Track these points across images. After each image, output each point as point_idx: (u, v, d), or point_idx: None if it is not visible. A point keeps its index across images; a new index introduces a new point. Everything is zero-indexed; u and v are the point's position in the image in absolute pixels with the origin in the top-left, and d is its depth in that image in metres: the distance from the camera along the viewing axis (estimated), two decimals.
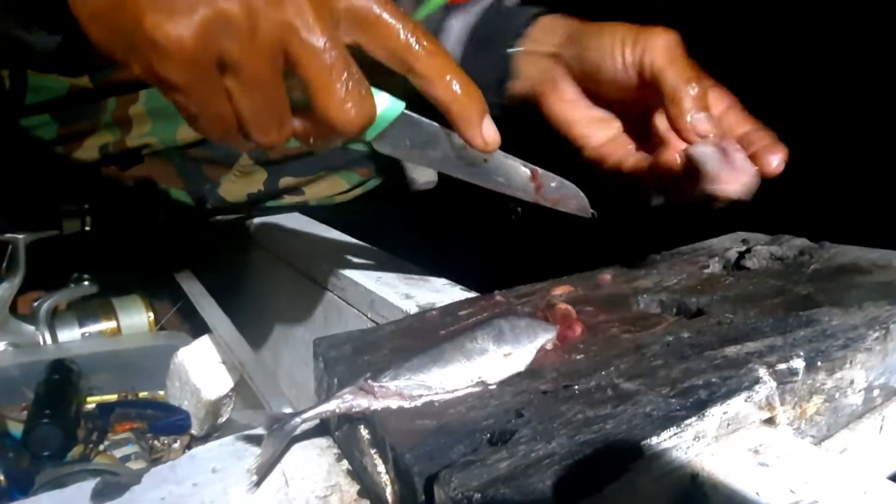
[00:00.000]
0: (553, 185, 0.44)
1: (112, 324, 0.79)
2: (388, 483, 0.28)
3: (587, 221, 0.47)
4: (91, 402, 0.71)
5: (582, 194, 0.45)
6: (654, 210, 0.51)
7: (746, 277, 0.46)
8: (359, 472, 0.31)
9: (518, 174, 0.43)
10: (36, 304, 0.76)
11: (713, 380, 0.30)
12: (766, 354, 0.32)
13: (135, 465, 0.64)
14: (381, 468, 0.29)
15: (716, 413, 0.28)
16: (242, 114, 0.33)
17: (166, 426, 0.69)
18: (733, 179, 0.42)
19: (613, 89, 0.49)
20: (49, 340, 0.75)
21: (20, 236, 0.74)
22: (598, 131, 0.51)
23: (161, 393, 0.75)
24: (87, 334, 0.78)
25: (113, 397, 0.73)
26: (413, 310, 0.52)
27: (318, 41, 0.32)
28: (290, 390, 0.72)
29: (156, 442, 0.68)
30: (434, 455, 0.26)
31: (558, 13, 0.54)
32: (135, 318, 0.80)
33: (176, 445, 0.68)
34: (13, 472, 0.58)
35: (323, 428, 0.34)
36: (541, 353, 0.34)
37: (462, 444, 0.27)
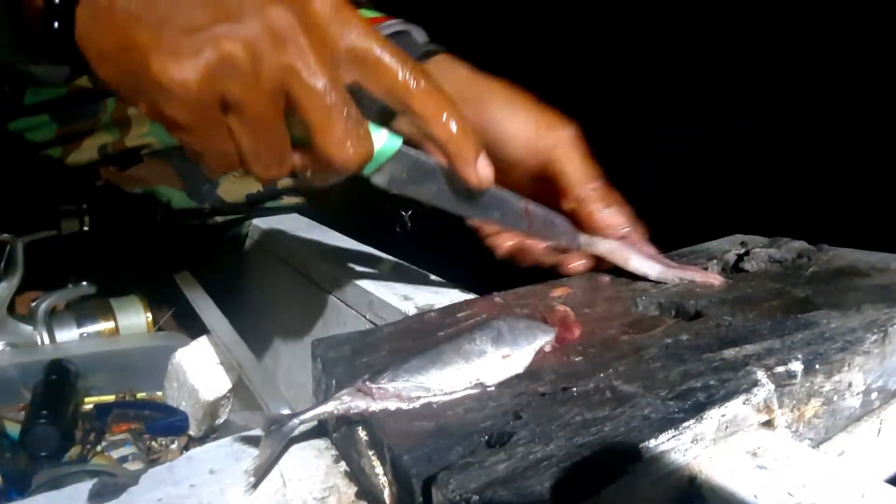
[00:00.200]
0: (544, 219, 0.46)
1: (110, 324, 0.79)
2: (386, 485, 0.28)
3: None
4: (89, 403, 0.70)
5: (572, 228, 0.47)
6: (652, 213, 0.51)
7: (745, 280, 0.46)
8: (357, 474, 0.31)
9: (511, 208, 0.44)
10: (34, 304, 0.76)
11: (711, 382, 0.30)
12: (765, 357, 0.32)
13: (132, 466, 0.63)
14: (379, 470, 0.29)
15: (714, 415, 0.28)
16: (244, 151, 0.34)
17: (164, 427, 0.68)
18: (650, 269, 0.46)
19: (507, 167, 0.48)
20: (47, 341, 0.75)
21: (18, 236, 0.74)
22: None
23: (159, 394, 0.75)
24: (85, 335, 0.78)
25: (111, 398, 0.73)
26: (412, 311, 0.52)
27: (319, 83, 0.33)
28: (289, 391, 0.72)
29: (153, 443, 0.68)
30: (432, 457, 0.26)
31: (457, 53, 0.53)
32: (133, 319, 0.80)
33: (174, 446, 0.68)
34: (10, 472, 0.58)
35: (321, 429, 0.34)
36: (539, 355, 0.34)
37: (460, 446, 0.27)
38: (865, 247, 0.51)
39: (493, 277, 0.50)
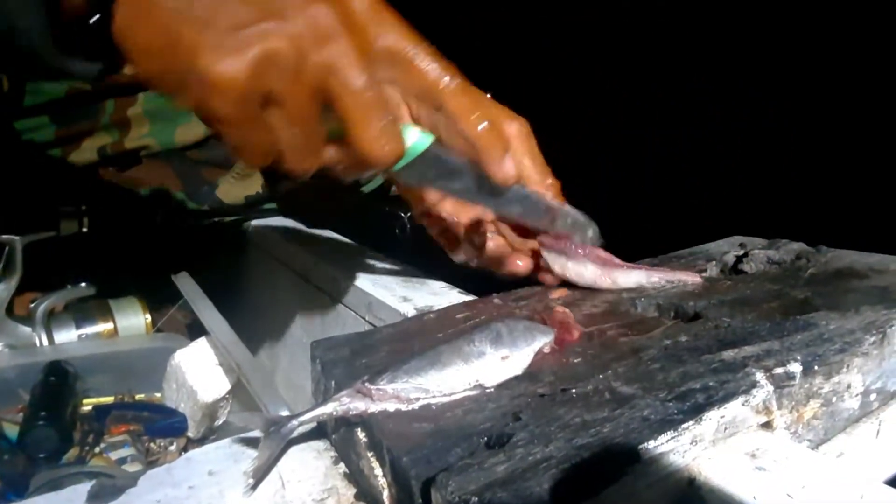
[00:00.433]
0: (568, 216, 0.46)
1: (109, 325, 0.79)
2: (385, 486, 0.28)
3: None
4: (87, 404, 0.70)
5: (594, 226, 0.46)
6: (651, 214, 0.51)
7: (744, 281, 0.46)
8: (356, 475, 0.31)
9: (535, 205, 0.45)
10: (33, 305, 0.75)
11: (710, 384, 0.30)
12: (764, 358, 0.32)
13: (131, 468, 0.63)
14: (378, 471, 0.29)
15: (713, 417, 0.28)
16: (282, 144, 0.35)
17: (163, 428, 0.68)
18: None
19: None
20: (45, 342, 0.75)
21: (17, 237, 0.74)
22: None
23: (158, 395, 0.75)
24: (83, 336, 0.77)
25: (109, 399, 0.73)
26: (411, 312, 0.52)
27: (358, 81, 0.34)
28: (288, 393, 0.72)
29: (152, 444, 0.67)
30: (431, 458, 0.26)
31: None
32: (132, 320, 0.80)
33: (172, 448, 0.68)
34: (9, 474, 0.57)
35: (320, 431, 0.34)
36: (538, 357, 0.34)
37: (459, 448, 0.27)
38: (864, 248, 0.51)
39: (492, 279, 0.50)
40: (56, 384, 0.66)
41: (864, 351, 0.34)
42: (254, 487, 0.30)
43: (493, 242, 0.49)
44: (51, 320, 0.76)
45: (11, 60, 0.38)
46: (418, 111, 0.44)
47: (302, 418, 0.31)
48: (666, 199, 1.25)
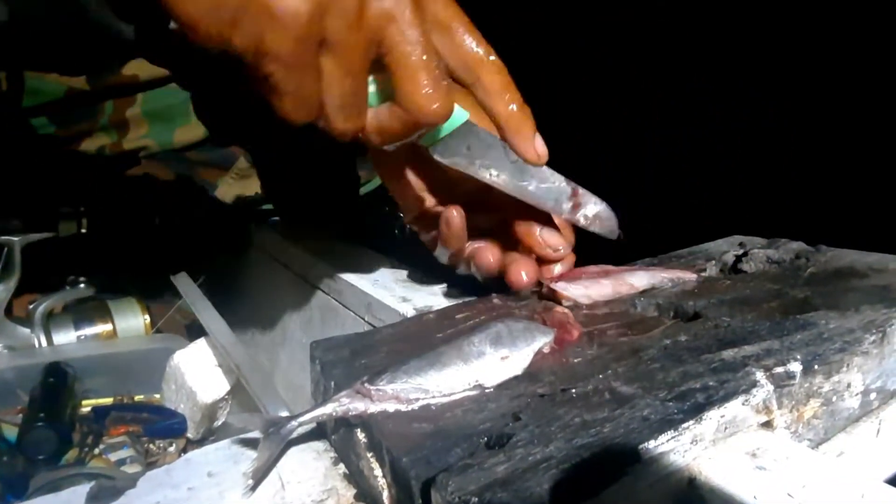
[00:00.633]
0: (591, 204, 0.45)
1: (108, 326, 0.79)
2: (385, 487, 0.28)
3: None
4: (86, 406, 0.70)
5: (615, 217, 0.46)
6: (651, 213, 0.51)
7: (743, 281, 0.46)
8: (355, 476, 0.31)
9: (561, 191, 0.44)
10: (31, 306, 0.75)
11: (710, 383, 0.30)
12: (764, 358, 0.32)
13: (130, 469, 0.63)
14: (378, 472, 0.29)
15: (713, 416, 0.28)
16: (330, 97, 0.35)
17: (162, 429, 0.68)
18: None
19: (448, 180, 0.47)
20: (44, 343, 0.75)
21: (16, 238, 0.74)
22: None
23: (157, 396, 0.75)
24: (82, 337, 0.77)
25: (109, 400, 0.72)
26: (410, 313, 0.52)
27: (414, 34, 0.34)
28: (287, 393, 0.72)
29: (151, 445, 0.67)
30: (431, 459, 0.26)
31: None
32: (131, 321, 0.80)
33: (172, 449, 0.67)
34: (8, 475, 0.57)
35: (319, 431, 0.34)
36: (538, 357, 0.34)
37: (459, 448, 0.26)
38: (863, 247, 0.51)
39: (492, 279, 0.50)
40: (55, 385, 0.66)
41: (864, 350, 0.34)
42: (253, 488, 0.30)
43: (491, 255, 0.46)
44: (50, 321, 0.76)
45: (56, 20, 0.38)
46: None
47: (301, 419, 0.31)
48: (665, 199, 1.25)
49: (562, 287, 0.43)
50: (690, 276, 0.47)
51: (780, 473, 0.27)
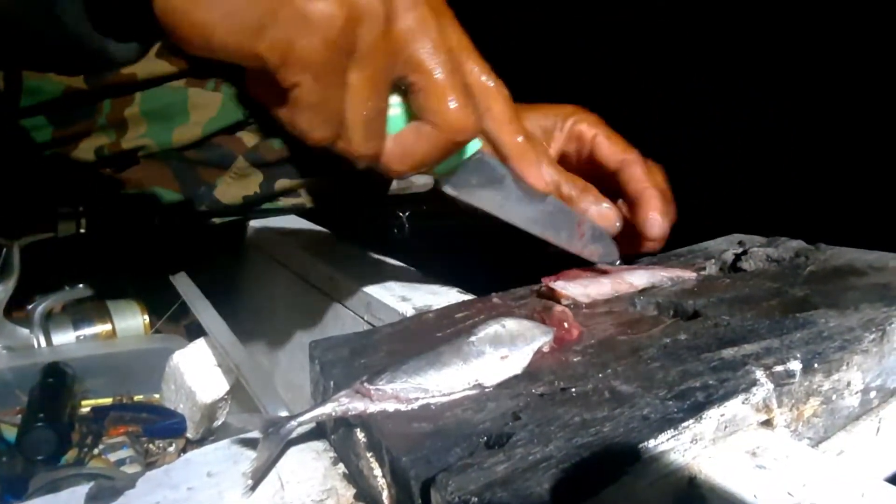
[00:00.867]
0: (592, 233, 0.46)
1: (107, 327, 0.79)
2: (385, 487, 0.28)
3: None
4: (86, 406, 0.70)
5: (614, 246, 0.47)
6: None
7: (743, 279, 0.46)
8: (355, 476, 0.31)
9: (565, 220, 0.45)
10: (30, 307, 0.75)
11: (710, 382, 0.30)
12: (763, 356, 0.32)
13: (130, 469, 0.63)
14: (378, 472, 0.29)
15: (713, 415, 0.28)
16: (353, 114, 0.34)
17: (161, 430, 0.68)
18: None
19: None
20: (43, 343, 0.75)
21: (14, 239, 0.74)
22: None
23: (156, 396, 0.75)
24: (81, 337, 0.77)
25: (108, 401, 0.72)
26: (409, 312, 0.52)
27: (442, 51, 0.34)
28: (287, 393, 0.72)
29: (151, 445, 0.67)
30: (431, 458, 0.26)
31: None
32: (130, 321, 0.80)
33: (171, 449, 0.67)
34: (7, 476, 0.57)
35: (319, 431, 0.34)
36: (538, 356, 0.34)
37: (459, 448, 0.26)
38: (863, 246, 0.51)
39: (491, 278, 0.50)
40: (54, 386, 0.65)
41: (864, 348, 0.34)
42: (253, 488, 0.30)
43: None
44: (49, 322, 0.76)
45: (46, 46, 0.36)
46: None
47: (301, 419, 0.31)
48: None
49: (561, 286, 0.43)
50: (690, 275, 0.47)
51: (780, 472, 0.27)
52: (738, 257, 0.51)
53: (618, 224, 0.49)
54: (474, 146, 0.39)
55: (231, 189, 0.84)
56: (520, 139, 0.41)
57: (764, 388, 0.30)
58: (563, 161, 0.53)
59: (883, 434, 0.36)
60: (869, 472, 0.28)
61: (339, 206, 0.87)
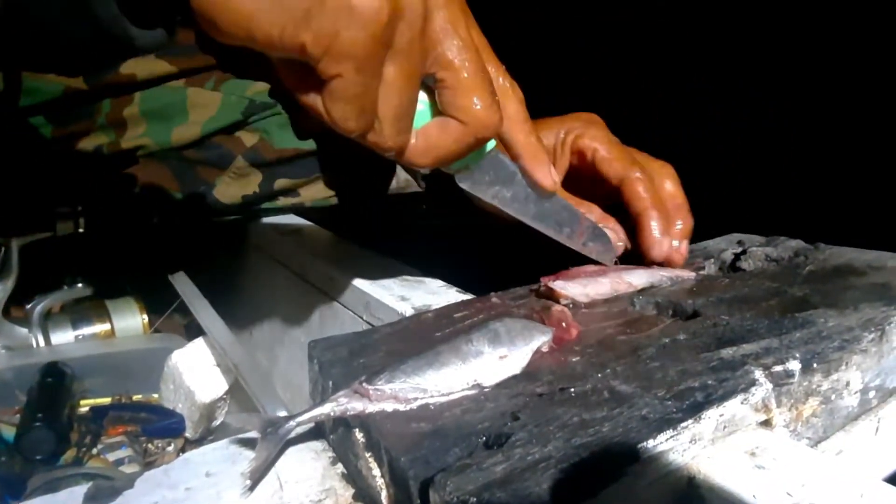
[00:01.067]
0: (593, 231, 0.48)
1: (106, 326, 0.79)
2: (384, 487, 0.28)
3: None
4: (84, 406, 0.70)
5: (612, 244, 0.49)
6: None
7: (742, 279, 0.46)
8: (354, 476, 0.31)
9: (569, 218, 0.47)
10: (29, 306, 0.75)
11: (709, 382, 0.30)
12: (762, 356, 0.32)
13: (128, 469, 0.63)
14: (377, 472, 0.28)
15: (712, 415, 0.28)
16: (387, 106, 0.34)
17: (160, 429, 0.68)
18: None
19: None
20: (42, 343, 0.75)
21: (13, 238, 0.74)
22: None
23: (155, 396, 0.75)
24: (80, 337, 0.77)
25: (107, 400, 0.72)
26: (409, 312, 0.52)
27: (472, 48, 0.35)
28: (285, 393, 0.72)
29: (150, 445, 0.67)
30: (429, 458, 0.26)
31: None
32: (129, 321, 0.80)
33: (170, 449, 0.67)
34: (5, 475, 0.57)
35: (318, 431, 0.34)
36: (536, 356, 0.34)
37: (458, 448, 0.26)
38: (862, 245, 0.51)
39: (490, 278, 0.50)
40: (53, 385, 0.65)
41: (863, 348, 0.34)
42: (251, 488, 0.29)
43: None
44: (47, 321, 0.76)
45: (75, 38, 0.36)
46: None
47: (299, 419, 0.31)
48: None
49: (560, 286, 0.43)
50: (689, 275, 0.47)
51: (779, 472, 0.27)
52: (737, 257, 0.51)
53: (619, 244, 0.50)
54: (490, 143, 0.40)
55: (230, 188, 0.84)
56: (532, 139, 0.42)
57: (763, 387, 0.30)
58: (571, 176, 0.53)
59: (882, 434, 0.36)
60: (868, 472, 0.28)
61: (338, 206, 0.87)
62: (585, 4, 1.46)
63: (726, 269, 0.51)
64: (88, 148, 0.77)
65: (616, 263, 0.49)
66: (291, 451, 0.33)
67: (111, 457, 0.64)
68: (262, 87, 0.79)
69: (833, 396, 0.33)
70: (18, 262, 0.74)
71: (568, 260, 0.48)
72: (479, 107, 0.36)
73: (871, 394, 0.35)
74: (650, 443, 0.26)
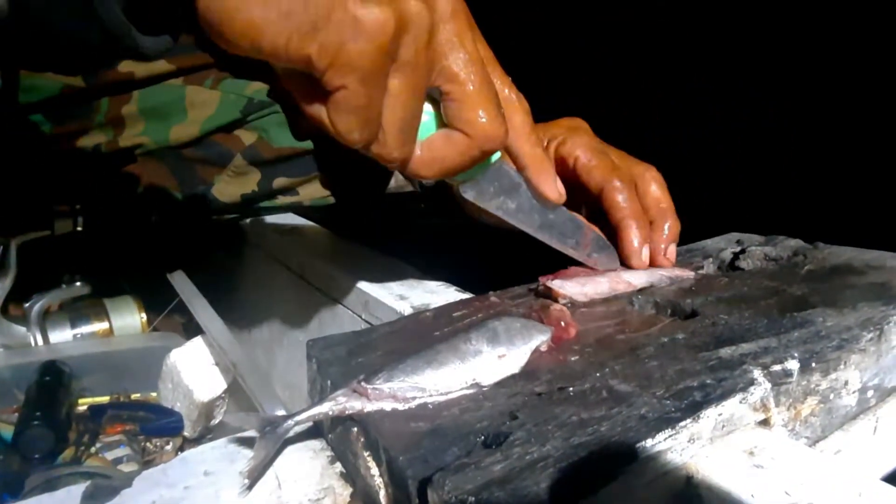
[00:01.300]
0: (598, 242, 0.48)
1: (104, 325, 0.79)
2: (382, 486, 0.28)
3: None
4: (83, 404, 0.70)
5: (616, 256, 0.48)
6: None
7: (741, 278, 0.46)
8: (352, 475, 0.31)
9: (575, 230, 0.47)
10: (27, 305, 0.75)
11: (708, 381, 0.30)
12: (761, 356, 0.32)
13: (127, 468, 0.63)
14: (375, 471, 0.28)
15: (710, 415, 0.28)
16: (391, 118, 0.34)
17: (159, 428, 0.68)
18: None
19: None
20: (40, 342, 0.75)
21: (11, 237, 0.74)
22: None
23: (153, 395, 0.75)
24: (78, 335, 0.77)
25: (105, 399, 0.72)
26: (407, 311, 0.52)
27: (479, 62, 0.35)
28: (284, 392, 0.72)
29: (148, 444, 0.67)
30: (428, 458, 0.26)
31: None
32: (127, 320, 0.80)
33: (168, 448, 0.67)
34: (3, 474, 0.57)
35: (316, 430, 0.34)
36: (535, 355, 0.34)
37: (456, 447, 0.26)
38: (861, 245, 0.51)
39: (489, 277, 0.50)
40: (51, 384, 0.65)
41: (862, 348, 0.34)
42: (250, 488, 0.29)
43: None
44: (46, 320, 0.76)
45: (80, 43, 0.36)
46: None
47: (298, 418, 0.31)
48: None
49: (558, 285, 0.43)
50: (688, 274, 0.47)
51: (778, 471, 0.27)
52: (736, 256, 0.51)
53: None
54: (495, 155, 0.40)
55: (229, 187, 0.84)
56: (538, 150, 0.42)
57: (761, 387, 0.30)
58: None
59: (880, 433, 0.36)
60: (866, 472, 0.28)
61: (337, 205, 0.87)
62: (585, 4, 1.46)
63: (725, 269, 0.51)
64: (87, 146, 0.77)
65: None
66: (290, 450, 0.33)
67: (109, 455, 0.64)
68: (261, 85, 0.79)
69: (831, 396, 0.33)
70: (17, 261, 0.74)
71: (566, 260, 0.48)
72: (484, 120, 0.36)
73: (870, 393, 0.35)
74: (648, 442, 0.26)
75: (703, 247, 0.55)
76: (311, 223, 0.87)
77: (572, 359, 0.34)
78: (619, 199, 0.48)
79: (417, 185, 0.71)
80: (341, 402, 0.30)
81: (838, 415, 0.34)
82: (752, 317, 0.38)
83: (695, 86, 1.37)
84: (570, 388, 0.31)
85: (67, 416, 0.65)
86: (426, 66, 0.34)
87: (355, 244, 0.76)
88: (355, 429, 0.30)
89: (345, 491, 0.31)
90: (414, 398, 0.30)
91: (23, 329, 0.74)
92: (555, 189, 0.43)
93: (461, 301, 0.45)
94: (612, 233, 0.49)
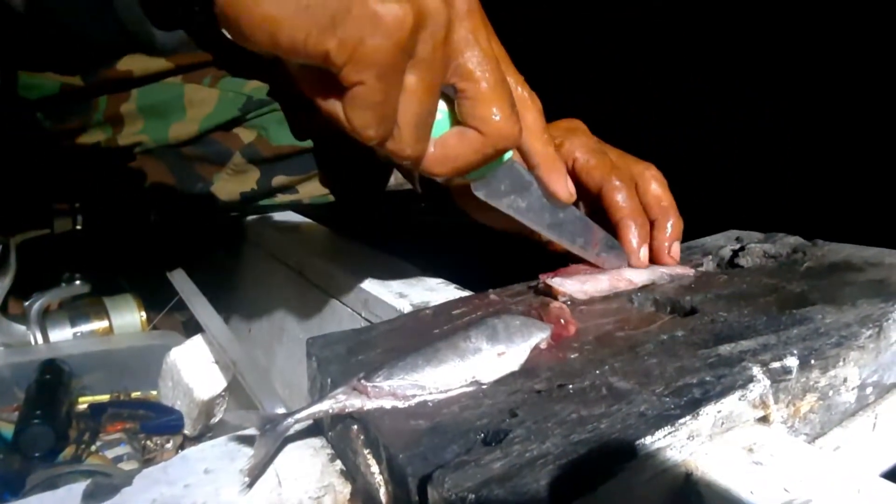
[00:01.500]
0: (606, 242, 0.47)
1: (104, 323, 0.79)
2: (382, 483, 0.28)
3: None
4: (83, 403, 0.70)
5: (624, 256, 0.48)
6: None
7: (740, 276, 0.46)
8: (352, 473, 0.31)
9: (584, 230, 0.47)
10: (27, 303, 0.75)
11: (707, 378, 0.30)
12: (760, 353, 0.32)
13: (127, 466, 0.63)
14: (375, 469, 0.29)
15: (710, 412, 0.28)
16: (407, 115, 0.34)
17: (159, 426, 0.68)
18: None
19: None
20: (40, 340, 0.75)
21: (11, 236, 0.74)
22: None
23: (153, 393, 0.75)
24: (78, 334, 0.77)
25: (105, 397, 0.72)
26: (407, 309, 0.52)
27: (494, 59, 0.35)
28: (284, 390, 0.72)
29: (148, 442, 0.67)
30: (428, 455, 0.26)
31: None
32: (127, 318, 0.80)
33: (168, 446, 0.67)
34: (4, 473, 0.57)
35: (316, 428, 0.34)
36: (535, 352, 0.34)
37: (456, 444, 0.26)
38: (860, 242, 0.51)
39: (489, 275, 0.50)
40: (51, 383, 0.65)
41: (861, 344, 0.34)
42: (250, 485, 0.30)
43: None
44: (45, 319, 0.76)
45: (100, 39, 0.36)
46: None
47: (298, 416, 0.31)
48: None
49: (558, 283, 0.43)
50: (687, 272, 0.47)
51: (777, 468, 0.27)
52: (735, 253, 0.51)
53: None
54: (508, 153, 0.40)
55: (228, 185, 0.84)
56: (550, 149, 0.42)
57: (760, 384, 0.30)
58: None
59: (879, 430, 0.36)
60: (865, 468, 0.28)
61: (336, 203, 0.87)
62: (585, 4, 1.46)
63: (724, 266, 0.51)
64: (86, 144, 0.77)
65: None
66: (290, 447, 0.33)
67: (110, 454, 0.64)
68: (260, 83, 0.79)
69: (830, 392, 0.33)
70: (16, 259, 0.74)
71: (566, 258, 0.48)
72: (498, 118, 0.36)
73: (869, 390, 0.36)
74: (648, 439, 0.26)
75: (702, 244, 0.55)
76: (310, 221, 0.87)
77: (572, 356, 0.34)
78: (619, 198, 0.48)
79: (417, 184, 0.71)
80: (341, 400, 0.30)
81: (837, 411, 0.34)
82: (752, 314, 0.38)
83: (692, 85, 1.37)
84: (570, 386, 0.31)
85: (68, 414, 0.65)
86: (442, 62, 0.34)
87: (355, 242, 0.76)
88: (355, 426, 0.30)
89: (345, 489, 0.31)
90: (414, 396, 0.30)
91: (23, 328, 0.74)
92: (565, 188, 0.43)
93: (461, 299, 0.45)
94: (612, 232, 0.49)
